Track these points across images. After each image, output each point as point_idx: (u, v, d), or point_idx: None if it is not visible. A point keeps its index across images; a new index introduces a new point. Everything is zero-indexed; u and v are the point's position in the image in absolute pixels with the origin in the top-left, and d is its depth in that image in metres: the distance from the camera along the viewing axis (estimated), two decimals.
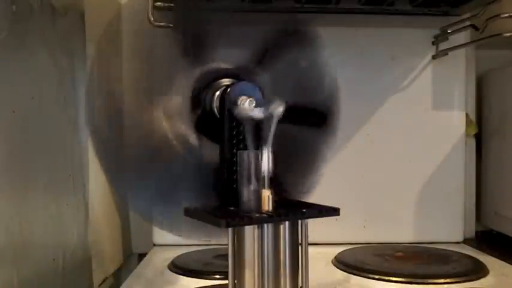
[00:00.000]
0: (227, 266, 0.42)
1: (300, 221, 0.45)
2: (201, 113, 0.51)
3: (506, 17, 0.66)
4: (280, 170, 0.50)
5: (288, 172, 0.54)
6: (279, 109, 0.42)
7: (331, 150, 0.55)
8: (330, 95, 0.56)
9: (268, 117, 0.42)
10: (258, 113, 0.44)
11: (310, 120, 0.55)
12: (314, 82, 0.56)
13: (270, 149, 0.43)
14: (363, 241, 0.84)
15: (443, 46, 0.83)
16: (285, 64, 0.53)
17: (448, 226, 0.86)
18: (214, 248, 0.75)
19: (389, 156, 0.85)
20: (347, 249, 0.78)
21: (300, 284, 0.45)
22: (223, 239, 0.43)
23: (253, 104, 0.46)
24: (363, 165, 0.85)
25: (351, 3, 0.80)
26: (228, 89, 0.49)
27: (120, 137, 0.48)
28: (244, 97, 0.47)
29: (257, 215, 0.43)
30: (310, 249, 0.45)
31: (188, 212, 0.47)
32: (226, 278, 0.43)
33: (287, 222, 0.44)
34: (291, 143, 0.53)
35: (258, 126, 0.45)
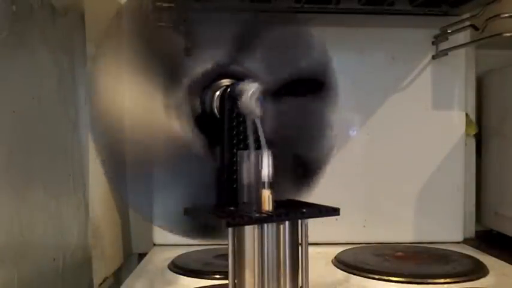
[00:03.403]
0: (227, 266, 0.42)
1: (300, 221, 0.45)
2: (201, 113, 0.51)
3: (506, 17, 0.67)
4: (290, 140, 0.50)
5: (298, 141, 0.54)
6: (253, 85, 0.42)
7: (334, 115, 0.56)
8: (322, 62, 0.56)
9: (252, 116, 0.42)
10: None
11: (308, 89, 0.55)
12: (303, 54, 0.56)
13: (270, 153, 0.43)
14: (363, 241, 0.84)
15: (443, 46, 0.83)
16: (269, 43, 0.54)
17: (448, 226, 0.86)
18: (214, 248, 0.75)
19: (389, 156, 0.85)
20: (347, 249, 0.78)
21: (300, 284, 0.45)
22: (223, 239, 0.43)
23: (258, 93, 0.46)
24: (363, 165, 0.85)
25: (351, 3, 0.80)
26: (228, 89, 0.49)
27: (120, 136, 0.48)
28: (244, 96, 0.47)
29: (257, 214, 0.43)
30: (310, 249, 0.45)
31: (188, 212, 0.47)
32: (226, 278, 0.43)
33: (287, 222, 0.44)
34: (299, 116, 0.53)
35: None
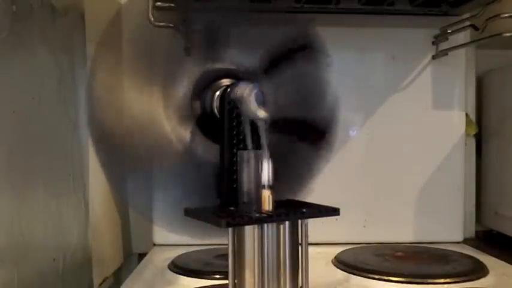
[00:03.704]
0: (227, 266, 0.42)
1: (300, 221, 0.45)
2: (201, 113, 0.51)
3: (506, 17, 0.66)
4: (293, 109, 0.50)
5: (301, 107, 0.54)
6: (264, 114, 0.42)
7: (325, 164, 0.56)
8: (330, 112, 0.56)
9: (257, 121, 0.42)
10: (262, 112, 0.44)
11: (308, 136, 0.55)
12: (315, 98, 0.56)
13: (269, 158, 0.43)
14: (363, 241, 0.84)
15: (443, 46, 0.83)
16: (288, 76, 0.54)
17: (448, 226, 0.86)
18: (214, 248, 0.75)
19: (389, 156, 0.85)
20: (347, 249, 0.78)
21: (300, 284, 0.45)
22: (223, 239, 0.43)
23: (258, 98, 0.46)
24: (363, 165, 0.85)
25: (351, 3, 0.80)
26: (228, 89, 0.49)
27: (120, 136, 0.48)
28: (244, 96, 0.47)
29: (257, 215, 0.43)
30: (310, 249, 0.45)
31: (188, 212, 0.47)
32: (226, 278, 0.43)
33: (287, 222, 0.44)
34: (291, 83, 0.53)
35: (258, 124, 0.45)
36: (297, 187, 0.55)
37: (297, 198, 0.50)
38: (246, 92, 0.45)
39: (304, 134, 0.54)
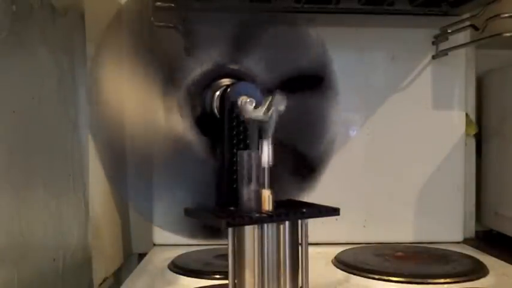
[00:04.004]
0: (227, 266, 0.42)
1: (300, 221, 0.45)
2: (201, 113, 0.51)
3: (506, 17, 0.66)
4: (291, 138, 0.50)
5: (299, 138, 0.54)
6: (281, 107, 0.42)
7: (335, 111, 0.56)
8: (320, 58, 0.56)
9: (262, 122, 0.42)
10: (258, 114, 0.44)
11: (307, 85, 0.55)
12: (302, 51, 0.56)
13: (270, 142, 0.42)
14: (363, 241, 0.84)
15: (443, 46, 0.83)
16: (267, 42, 0.54)
17: (448, 226, 0.86)
18: (214, 248, 0.75)
19: (389, 156, 0.85)
20: (347, 249, 0.78)
21: (300, 284, 0.45)
22: (223, 239, 0.43)
23: (253, 104, 0.46)
24: (363, 165, 0.85)
25: (351, 3, 0.80)
26: (228, 89, 0.49)
27: (120, 136, 0.48)
28: (244, 97, 0.47)
29: (257, 215, 0.43)
30: (310, 249, 0.45)
31: (188, 212, 0.47)
32: (226, 278, 0.43)
33: (287, 222, 0.44)
34: (298, 113, 0.53)
35: (260, 124, 0.45)
36: (317, 139, 0.55)
37: (318, 152, 0.50)
38: (243, 101, 0.45)
39: (295, 166, 0.55)
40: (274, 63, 0.53)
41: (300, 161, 0.54)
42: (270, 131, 0.42)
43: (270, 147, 0.43)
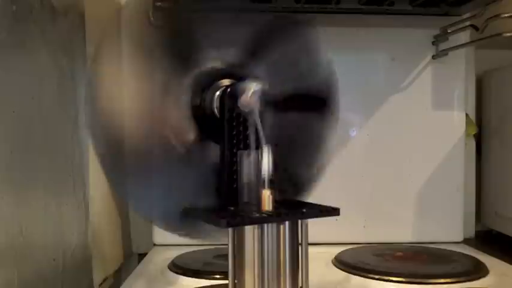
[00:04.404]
0: (227, 266, 0.42)
1: (300, 221, 0.45)
2: (201, 113, 0.51)
3: (506, 17, 0.67)
4: (286, 159, 0.50)
5: (293, 159, 0.54)
6: (254, 84, 0.42)
7: (334, 133, 0.56)
8: (326, 78, 0.56)
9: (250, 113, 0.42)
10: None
11: (310, 105, 0.55)
12: (309, 68, 0.56)
13: (269, 148, 0.43)
14: (363, 241, 0.84)
15: (443, 46, 0.83)
16: (277, 54, 0.54)
17: (448, 226, 0.86)
18: (214, 248, 0.75)
19: (389, 156, 0.85)
20: (347, 249, 0.78)
21: (300, 284, 0.45)
22: (223, 239, 0.43)
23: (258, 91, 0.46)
24: (363, 165, 0.85)
25: (351, 3, 0.80)
26: (228, 89, 0.49)
27: (120, 136, 0.48)
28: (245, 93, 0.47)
29: (257, 215, 0.43)
30: (310, 249, 0.45)
31: (188, 212, 0.47)
32: (226, 278, 0.43)
33: (287, 222, 0.44)
34: (294, 131, 0.53)
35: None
36: (309, 160, 0.55)
37: (309, 173, 0.50)
38: (247, 86, 0.45)
39: (306, 106, 0.54)
40: (278, 76, 0.53)
41: (288, 179, 0.54)
42: (259, 127, 0.42)
43: (271, 154, 0.43)
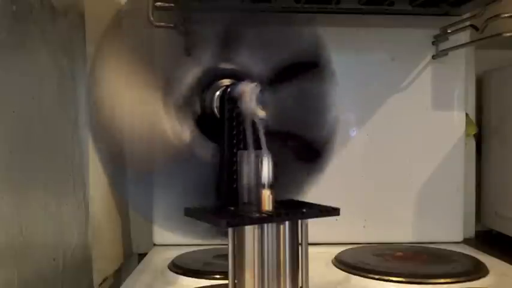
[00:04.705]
0: (227, 266, 0.42)
1: (300, 221, 0.45)
2: (201, 113, 0.51)
3: (506, 17, 0.66)
4: (293, 125, 0.50)
5: (300, 124, 0.54)
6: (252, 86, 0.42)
7: (334, 92, 0.56)
8: (329, 133, 0.56)
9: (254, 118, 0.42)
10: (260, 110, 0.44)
11: (302, 71, 0.55)
12: (316, 117, 0.56)
13: (270, 156, 0.43)
14: (363, 241, 0.84)
15: (443, 46, 0.83)
16: (291, 90, 0.54)
17: (448, 226, 0.86)
18: (214, 248, 0.75)
19: (389, 156, 0.85)
20: (347, 249, 0.78)
21: (300, 284, 0.45)
22: (223, 239, 0.43)
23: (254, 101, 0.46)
24: (363, 165, 0.85)
25: (351, 3, 0.80)
26: (228, 89, 0.49)
27: (120, 136, 0.48)
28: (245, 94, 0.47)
29: (257, 215, 0.43)
30: (310, 249, 0.45)
31: (188, 212, 0.47)
32: (226, 278, 0.43)
33: (287, 222, 0.44)
34: (297, 98, 0.53)
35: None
36: (318, 122, 0.55)
37: (321, 135, 0.50)
38: (247, 90, 0.45)
39: (300, 152, 0.54)
40: (269, 56, 0.53)
41: (304, 146, 0.54)
42: (261, 135, 0.42)
43: (270, 163, 0.43)
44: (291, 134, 0.51)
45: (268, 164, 0.43)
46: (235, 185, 0.47)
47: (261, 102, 0.46)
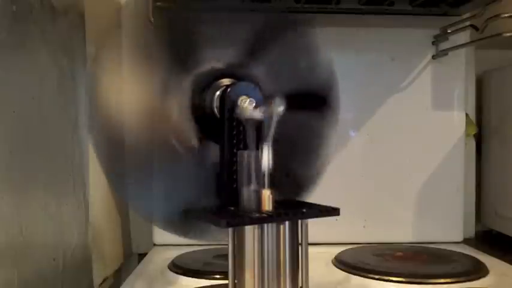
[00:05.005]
0: (227, 266, 0.42)
1: (300, 221, 0.45)
2: (201, 113, 0.51)
3: (506, 17, 0.67)
4: (287, 158, 0.50)
5: (295, 159, 0.54)
6: (279, 109, 0.42)
7: (335, 132, 0.56)
8: (327, 77, 0.56)
9: (269, 116, 0.43)
10: (258, 114, 0.44)
11: (310, 105, 0.55)
12: (309, 67, 0.56)
13: (270, 146, 0.43)
14: (363, 241, 0.84)
15: (443, 46, 0.83)
16: (277, 53, 0.54)
17: (447, 226, 0.86)
18: (214, 248, 0.75)
19: (389, 156, 0.85)
20: (347, 249, 0.78)
21: (300, 284, 0.45)
22: (223, 239, 0.43)
23: (253, 104, 0.46)
24: (363, 165, 0.85)
25: (351, 3, 0.80)
26: (228, 89, 0.49)
27: (120, 136, 0.48)
28: (244, 97, 0.47)
29: (257, 215, 0.43)
30: (310, 249, 0.45)
31: (188, 212, 0.47)
32: (226, 278, 0.43)
33: (287, 222, 0.44)
34: (295, 131, 0.53)
35: (259, 125, 0.45)
36: (310, 159, 0.55)
37: (310, 172, 0.50)
38: (241, 99, 0.45)
39: (307, 105, 0.54)
40: (278, 76, 0.53)
41: (289, 179, 0.54)
42: (270, 132, 0.42)
43: (270, 150, 0.43)
44: (279, 163, 0.52)
45: (268, 152, 0.42)
46: (235, 185, 0.47)
47: (261, 100, 0.46)
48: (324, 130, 0.56)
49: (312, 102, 0.55)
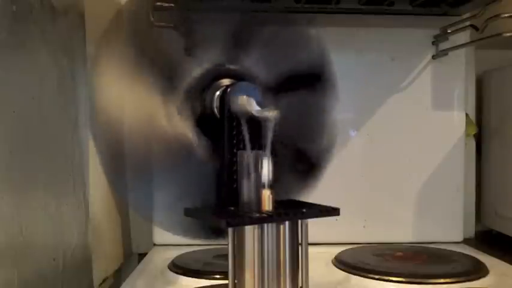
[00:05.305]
0: (227, 266, 0.42)
1: (300, 221, 0.45)
2: (201, 113, 0.51)
3: (506, 17, 0.67)
4: (290, 138, 0.51)
5: (299, 136, 0.54)
6: (273, 113, 0.42)
7: (334, 108, 0.56)
8: (319, 54, 0.56)
9: (265, 121, 0.43)
10: (254, 107, 0.44)
11: (306, 83, 0.55)
12: (300, 49, 0.56)
13: (270, 157, 0.43)
14: (363, 241, 0.84)
15: (443, 46, 0.83)
16: (266, 40, 0.54)
17: (447, 226, 0.86)
18: (214, 248, 0.75)
19: (389, 156, 0.85)
20: (347, 249, 0.78)
21: (300, 284, 0.45)
22: (223, 239, 0.43)
23: (253, 104, 0.46)
24: (363, 165, 0.85)
25: (351, 3, 0.80)
26: (228, 89, 0.49)
27: (120, 136, 0.48)
28: (244, 97, 0.47)
29: (257, 215, 0.43)
30: (310, 249, 0.45)
31: (188, 212, 0.47)
32: (226, 278, 0.43)
33: (287, 222, 0.44)
34: (298, 109, 0.53)
35: (258, 125, 0.45)
36: (317, 134, 0.56)
37: (319, 147, 0.50)
38: (246, 101, 0.45)
39: (295, 164, 0.55)
40: (273, 62, 0.53)
41: (301, 158, 0.54)
42: (268, 139, 0.42)
43: (270, 164, 0.43)
44: (288, 145, 0.52)
45: (269, 165, 0.43)
46: (235, 185, 0.47)
47: (261, 101, 0.46)
48: (324, 105, 0.56)
49: (307, 79, 0.56)
